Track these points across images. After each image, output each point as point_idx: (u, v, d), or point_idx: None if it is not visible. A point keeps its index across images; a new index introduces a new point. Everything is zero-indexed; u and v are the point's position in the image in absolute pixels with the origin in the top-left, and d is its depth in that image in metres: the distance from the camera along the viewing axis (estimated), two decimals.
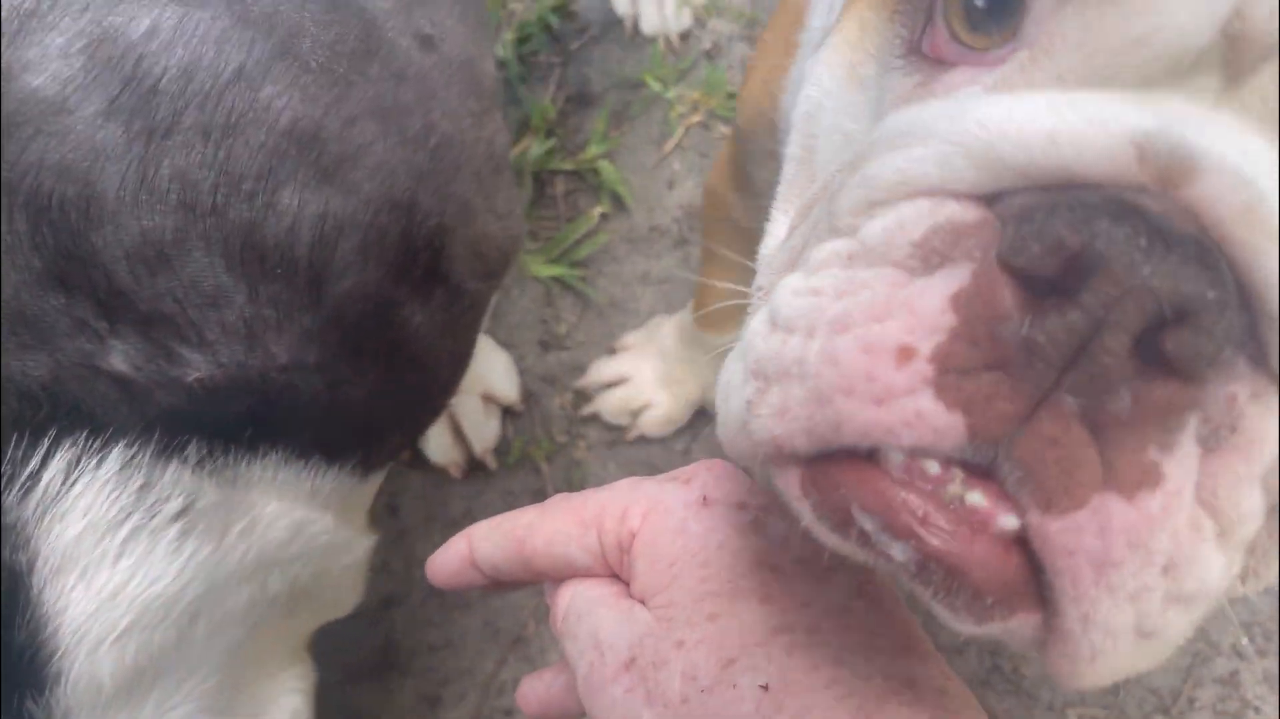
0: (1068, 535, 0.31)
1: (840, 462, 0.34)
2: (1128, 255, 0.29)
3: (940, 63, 0.38)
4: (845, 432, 0.32)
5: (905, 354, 0.31)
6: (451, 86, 0.50)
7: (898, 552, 0.32)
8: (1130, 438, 0.30)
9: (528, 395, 1.15)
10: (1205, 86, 0.32)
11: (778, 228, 0.44)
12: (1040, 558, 0.31)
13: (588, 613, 0.43)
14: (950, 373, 0.31)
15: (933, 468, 0.32)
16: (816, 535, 0.35)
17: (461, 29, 0.52)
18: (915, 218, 0.33)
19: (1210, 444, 0.31)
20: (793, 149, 0.45)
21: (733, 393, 0.37)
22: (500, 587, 0.48)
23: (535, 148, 1.22)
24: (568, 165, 1.23)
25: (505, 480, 1.11)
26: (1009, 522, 0.31)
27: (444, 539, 0.47)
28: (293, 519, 0.46)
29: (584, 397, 1.13)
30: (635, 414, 1.10)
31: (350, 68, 0.45)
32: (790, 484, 0.35)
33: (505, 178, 0.56)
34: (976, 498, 0.31)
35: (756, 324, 0.36)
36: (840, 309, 0.33)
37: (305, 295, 0.43)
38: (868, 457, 0.33)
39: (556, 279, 1.18)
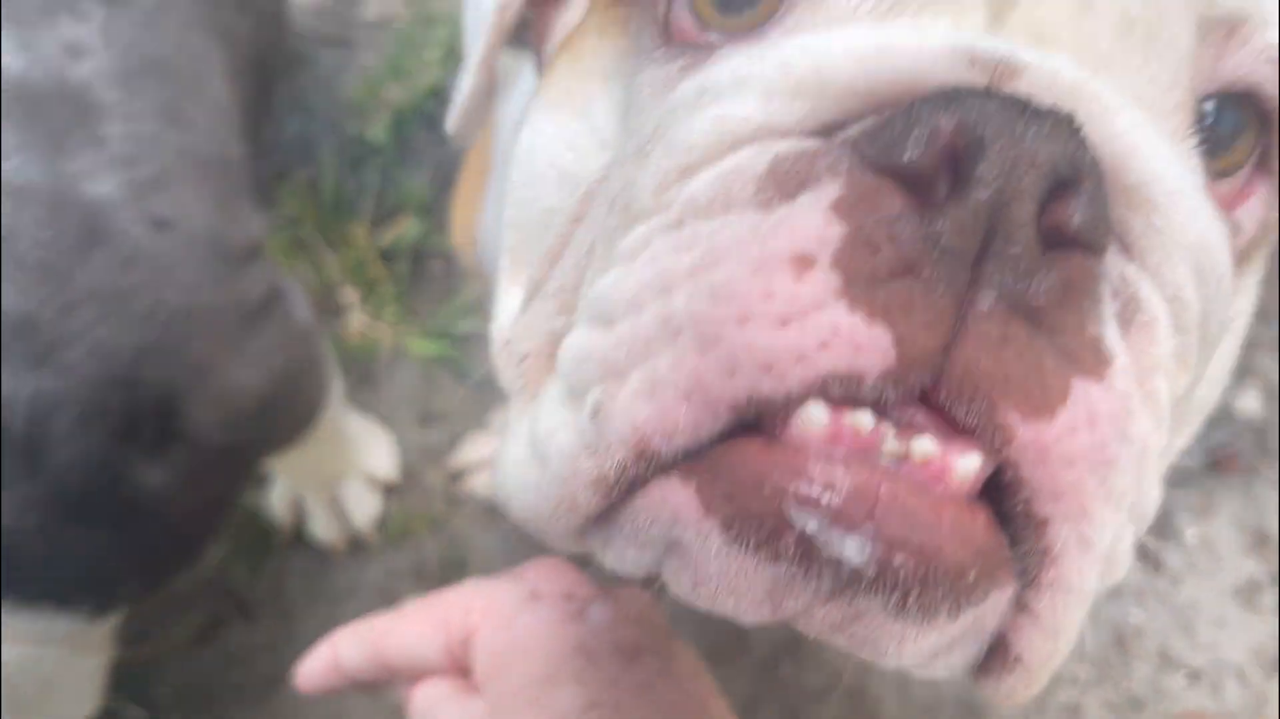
0: (1070, 441, 0.26)
1: (740, 449, 0.26)
2: (1009, 126, 0.26)
3: (702, 47, 0.34)
4: (747, 369, 0.25)
5: (803, 263, 0.25)
6: (189, 261, 0.55)
7: (853, 550, 0.25)
8: (1069, 317, 0.26)
9: (408, 470, 1.19)
10: (975, 20, 0.31)
11: (510, 299, 0.39)
12: (1030, 484, 0.26)
13: (432, 710, 0.48)
14: (858, 281, 0.25)
15: (866, 422, 0.26)
16: (723, 570, 0.27)
17: (206, 204, 0.57)
18: (750, 159, 0.28)
19: (1125, 322, 0.28)
20: (510, 214, 0.41)
21: (555, 441, 0.30)
22: (365, 689, 0.53)
23: (411, 229, 1.27)
24: (444, 245, 1.28)
25: (388, 555, 1.15)
26: (971, 463, 0.26)
27: (328, 617, 0.51)
28: (15, 655, 0.50)
29: (459, 475, 1.18)
30: None
31: (71, 261, 0.50)
32: (683, 504, 0.27)
33: (263, 328, 0.61)
34: (926, 445, 0.26)
35: (573, 340, 0.30)
36: (700, 252, 0.27)
37: (22, 466, 0.48)
38: (770, 437, 0.26)
39: (435, 356, 1.23)
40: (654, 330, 0.27)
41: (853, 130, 0.28)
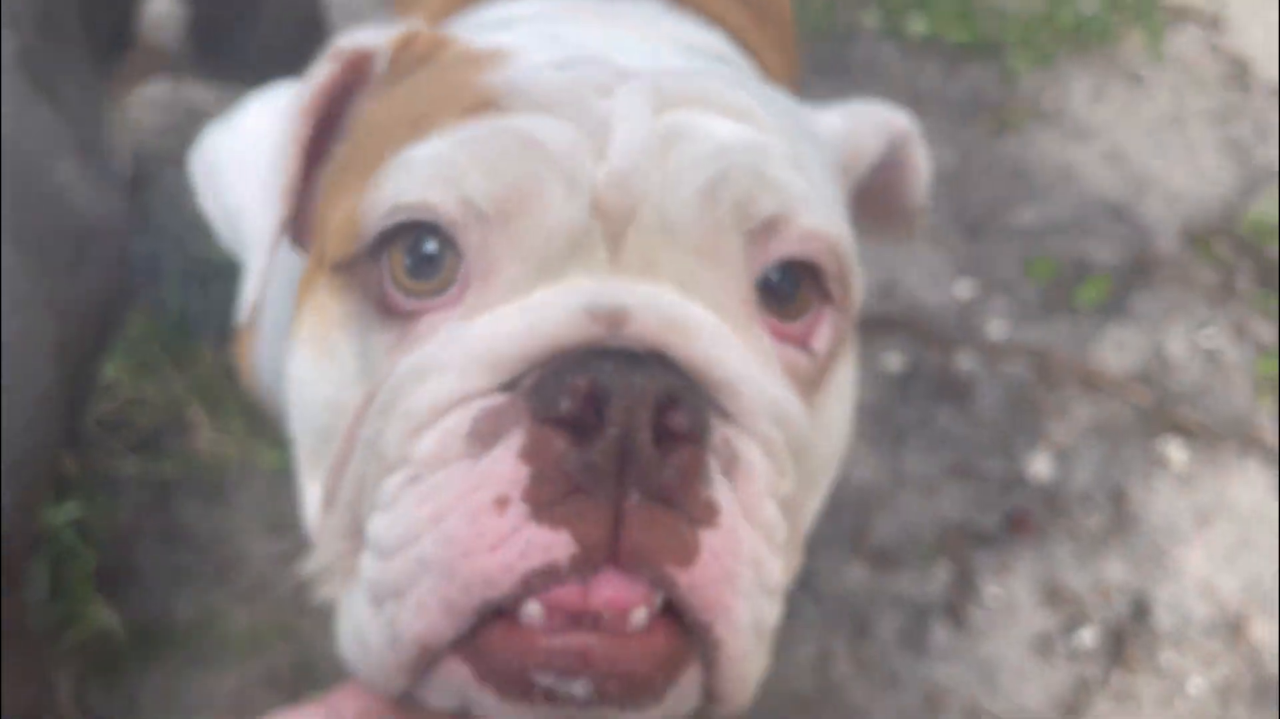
0: (707, 572, 0.39)
1: (492, 634, 0.39)
2: (623, 379, 0.39)
3: (408, 315, 0.45)
4: (476, 587, 0.38)
5: (501, 504, 0.39)
6: None
7: (579, 689, 0.39)
8: (688, 493, 0.40)
9: (258, 578, 1.24)
10: (600, 259, 0.43)
11: (312, 494, 0.51)
12: (692, 606, 0.40)
13: None
14: (543, 506, 0.38)
15: (571, 602, 0.38)
16: (503, 711, 0.40)
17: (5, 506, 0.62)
18: (457, 421, 0.40)
19: (731, 475, 0.41)
20: (296, 426, 0.52)
21: (368, 633, 0.42)
22: None
23: None
24: None
25: (241, 664, 1.20)
26: (641, 614, 0.39)
27: None
28: None
29: (308, 583, 1.23)
30: None
31: None
32: (463, 678, 0.40)
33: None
34: (612, 608, 0.39)
35: (366, 565, 0.42)
36: (432, 507, 0.40)
37: None
38: (511, 622, 0.39)
39: (283, 468, 1.28)
40: (414, 567, 0.40)
41: (526, 383, 0.41)
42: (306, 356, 0.49)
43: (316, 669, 1.19)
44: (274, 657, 1.20)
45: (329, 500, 0.48)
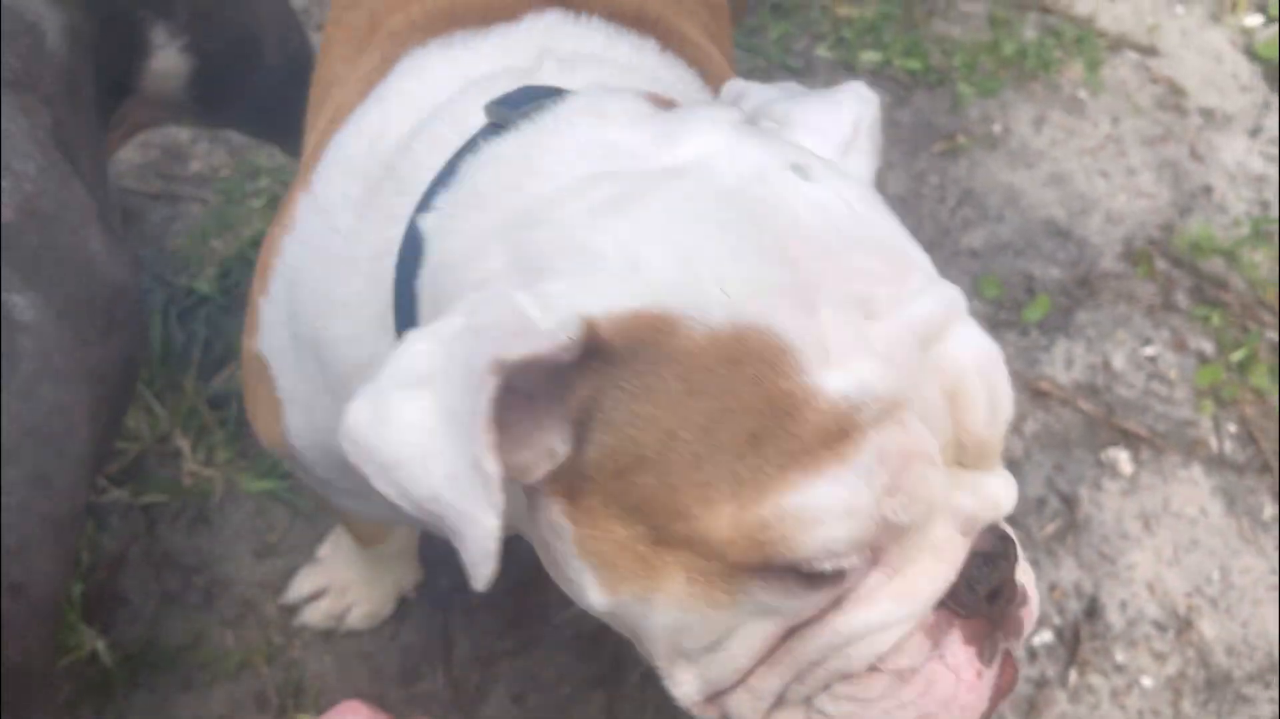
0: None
1: None
2: (1000, 569, 0.60)
3: (831, 578, 0.57)
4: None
5: (979, 675, 0.60)
6: (32, 624, 0.62)
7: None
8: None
9: (245, 602, 1.27)
10: (943, 471, 0.59)
11: (688, 680, 0.63)
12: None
13: None
14: (986, 657, 0.60)
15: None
16: None
17: (55, 566, 0.64)
18: (917, 646, 0.59)
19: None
20: (662, 639, 0.61)
21: None
22: None
23: (240, 373, 1.36)
24: None
25: (229, 686, 1.23)
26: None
27: None
28: None
29: (294, 608, 1.26)
30: (340, 617, 1.24)
31: None
32: None
33: None
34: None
35: None
36: (937, 696, 0.60)
37: None
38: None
39: (267, 492, 1.32)
40: None
41: (937, 606, 0.60)
42: (690, 610, 0.59)
43: (305, 690, 1.22)
44: (262, 679, 1.23)
45: (729, 689, 0.62)
